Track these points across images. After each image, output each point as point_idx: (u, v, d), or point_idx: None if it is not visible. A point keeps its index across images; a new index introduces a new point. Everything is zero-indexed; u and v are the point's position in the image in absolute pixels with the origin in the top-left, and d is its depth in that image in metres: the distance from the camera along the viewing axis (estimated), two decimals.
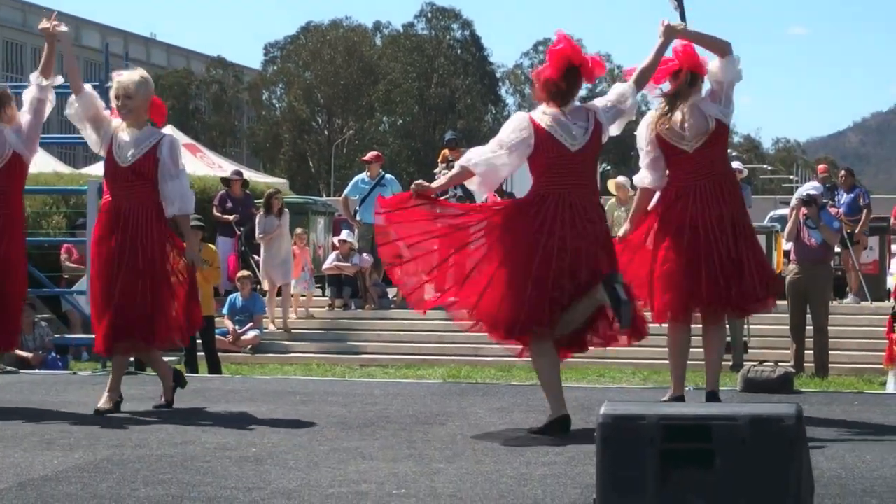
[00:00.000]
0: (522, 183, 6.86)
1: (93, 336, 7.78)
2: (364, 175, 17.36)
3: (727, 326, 12.88)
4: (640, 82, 6.97)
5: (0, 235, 7.56)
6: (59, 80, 7.60)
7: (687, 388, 7.49)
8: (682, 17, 7.43)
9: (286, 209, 17.25)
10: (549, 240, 6.51)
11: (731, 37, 7.13)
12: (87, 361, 13.79)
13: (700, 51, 7.23)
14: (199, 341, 13.21)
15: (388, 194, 15.70)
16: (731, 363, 13.18)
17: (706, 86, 7.24)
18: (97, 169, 16.75)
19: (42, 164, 19.72)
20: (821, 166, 21.88)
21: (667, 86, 7.23)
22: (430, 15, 74.18)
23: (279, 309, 16.65)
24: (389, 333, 16.56)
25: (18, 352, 12.72)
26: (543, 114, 6.68)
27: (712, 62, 7.13)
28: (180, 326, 7.52)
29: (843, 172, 18.45)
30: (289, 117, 72.51)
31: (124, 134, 7.38)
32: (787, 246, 14.27)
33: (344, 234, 17.89)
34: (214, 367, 13.19)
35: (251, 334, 15.94)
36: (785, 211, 18.04)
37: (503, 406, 7.80)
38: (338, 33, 72.90)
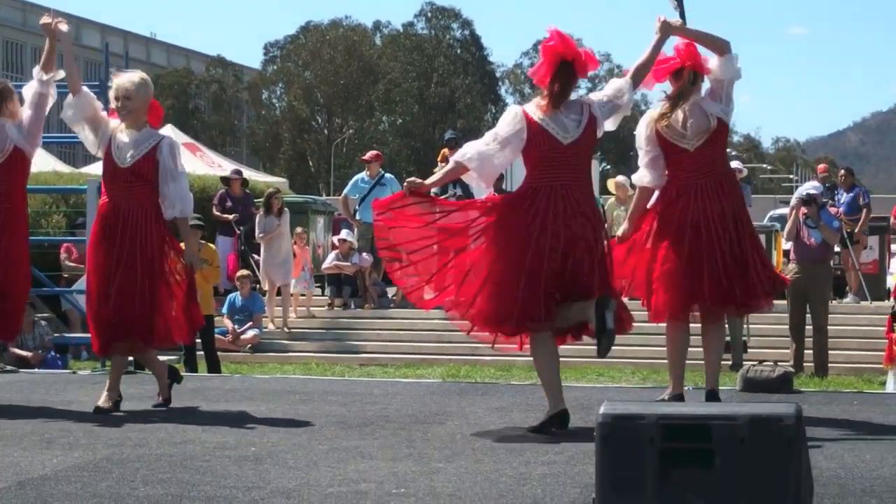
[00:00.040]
0: (521, 180, 6.88)
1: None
2: (364, 174, 17.36)
3: (726, 326, 12.94)
4: (637, 78, 6.99)
5: (1, 230, 7.56)
6: (61, 73, 7.57)
7: (686, 388, 7.49)
8: (682, 17, 7.43)
9: (286, 209, 17.25)
10: (542, 234, 6.53)
11: (730, 36, 7.13)
12: (86, 360, 13.79)
13: (700, 49, 7.23)
14: (198, 341, 13.22)
15: (388, 194, 15.73)
16: (730, 363, 13.17)
17: (705, 84, 7.24)
18: (97, 168, 16.76)
19: (42, 163, 19.72)
20: (821, 166, 21.88)
21: (667, 85, 7.24)
22: (429, 14, 74.16)
23: (279, 308, 16.65)
24: (389, 333, 16.56)
25: (18, 351, 12.73)
26: (537, 107, 6.73)
27: (712, 60, 7.14)
28: (180, 326, 7.52)
29: (842, 172, 18.45)
30: (288, 117, 72.50)
31: (123, 135, 7.38)
32: (786, 245, 14.28)
33: (343, 234, 17.89)
34: (214, 367, 13.19)
35: (250, 334, 15.94)
36: (784, 210, 18.05)
37: (502, 405, 7.79)
38: (337, 33, 72.88)
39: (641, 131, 7.21)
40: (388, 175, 17.61)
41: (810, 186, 14.10)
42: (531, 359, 6.90)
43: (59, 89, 7.76)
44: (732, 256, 7.03)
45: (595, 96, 6.90)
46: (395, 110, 71.99)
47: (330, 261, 17.55)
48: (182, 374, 8.23)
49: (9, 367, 10.94)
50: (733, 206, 7.15)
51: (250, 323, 15.99)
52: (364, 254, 17.14)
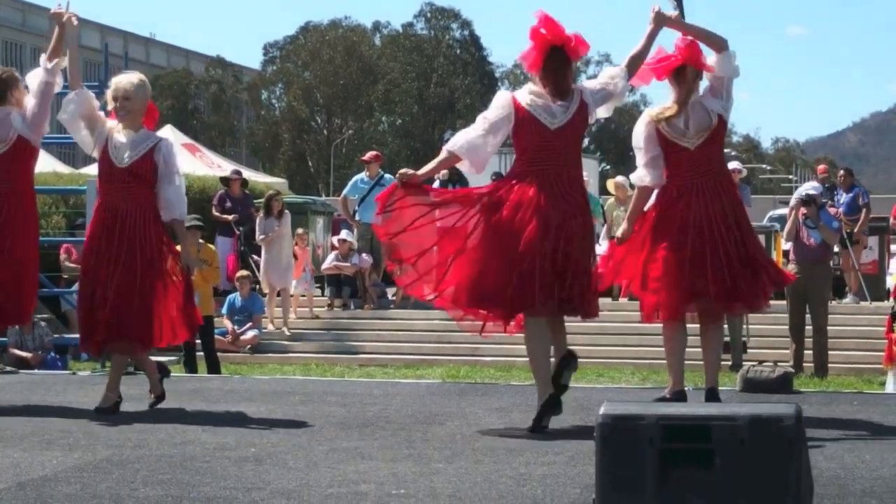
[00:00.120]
0: None
1: None
2: (363, 175, 17.36)
3: (725, 326, 12.94)
4: (632, 67, 7.03)
5: (9, 216, 7.55)
6: (65, 62, 7.56)
7: (686, 388, 7.48)
8: (682, 16, 7.43)
9: (287, 211, 17.25)
10: (531, 215, 6.57)
11: (730, 36, 7.13)
12: (86, 361, 13.77)
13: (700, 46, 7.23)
14: (198, 341, 13.21)
15: None
16: (730, 363, 13.18)
17: (703, 82, 7.23)
18: (96, 169, 16.79)
19: (42, 164, 19.62)
20: (821, 167, 21.88)
21: (664, 83, 7.24)
22: (429, 15, 74.15)
23: (279, 309, 16.65)
24: (389, 333, 16.56)
25: (18, 352, 12.74)
26: (528, 93, 6.79)
27: (711, 57, 7.14)
28: (178, 327, 7.51)
29: (841, 172, 18.46)
30: (288, 117, 72.49)
31: (120, 135, 7.37)
32: (786, 246, 14.28)
33: (343, 234, 17.90)
34: (213, 367, 13.19)
35: (250, 334, 15.94)
36: (784, 211, 18.05)
37: (502, 406, 7.79)
38: (337, 33, 72.87)
39: (640, 131, 7.17)
40: (387, 175, 17.59)
41: (810, 187, 14.11)
42: (527, 359, 6.90)
43: (59, 91, 7.75)
44: (738, 255, 7.03)
45: (588, 83, 6.96)
46: (394, 111, 71.99)
47: (329, 261, 17.55)
48: (183, 374, 8.22)
49: (8, 368, 10.94)
50: (733, 205, 7.18)
51: (250, 324, 15.99)
52: (364, 254, 17.14)
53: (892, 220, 17.55)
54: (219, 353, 13.67)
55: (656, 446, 3.95)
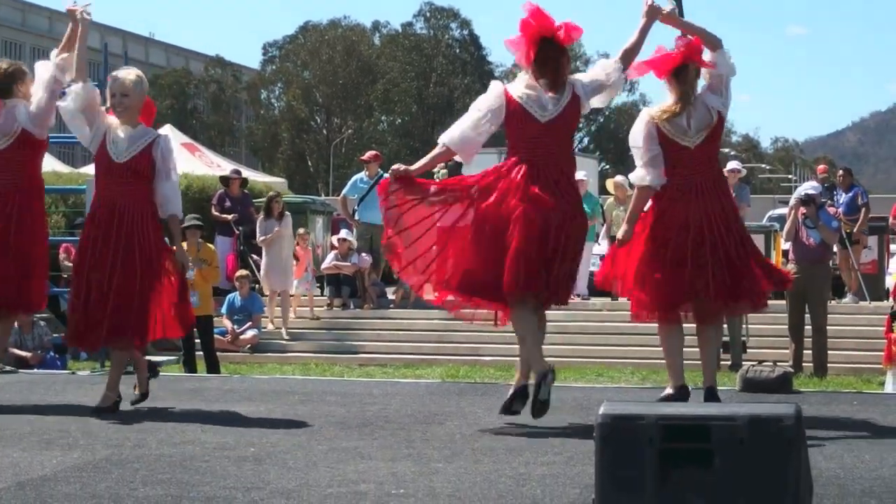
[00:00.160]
0: None
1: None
2: (363, 174, 17.36)
3: (725, 326, 12.94)
4: (626, 60, 7.04)
5: (16, 209, 7.56)
6: (74, 57, 7.56)
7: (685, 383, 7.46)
8: (681, 15, 7.42)
9: (288, 213, 17.26)
10: (517, 202, 6.60)
11: (730, 35, 7.14)
12: (85, 361, 13.78)
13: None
14: (197, 341, 13.22)
15: None
16: (729, 363, 13.18)
17: (700, 80, 7.22)
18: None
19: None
20: (820, 167, 21.89)
21: (663, 82, 7.24)
22: (428, 14, 74.18)
23: (279, 308, 16.65)
24: (388, 333, 16.56)
25: (17, 351, 12.74)
26: (520, 85, 6.83)
27: (707, 55, 7.14)
28: (168, 323, 7.50)
29: (840, 172, 18.47)
30: (287, 117, 72.51)
31: (119, 131, 7.37)
32: (785, 246, 14.29)
33: (343, 234, 17.91)
34: (213, 367, 13.20)
35: (250, 334, 15.95)
36: (783, 210, 18.06)
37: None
38: (336, 33, 72.90)
39: (640, 130, 7.12)
40: (386, 175, 17.59)
41: (809, 187, 14.11)
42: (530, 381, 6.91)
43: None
44: (738, 254, 7.03)
45: (581, 76, 6.98)
46: (393, 110, 72.02)
47: (329, 261, 17.56)
48: (182, 374, 8.21)
49: (8, 368, 10.92)
50: (731, 204, 7.21)
51: (249, 323, 16.00)
52: (363, 254, 17.14)
53: (891, 219, 17.55)
54: (218, 353, 13.68)
55: (656, 446, 3.95)
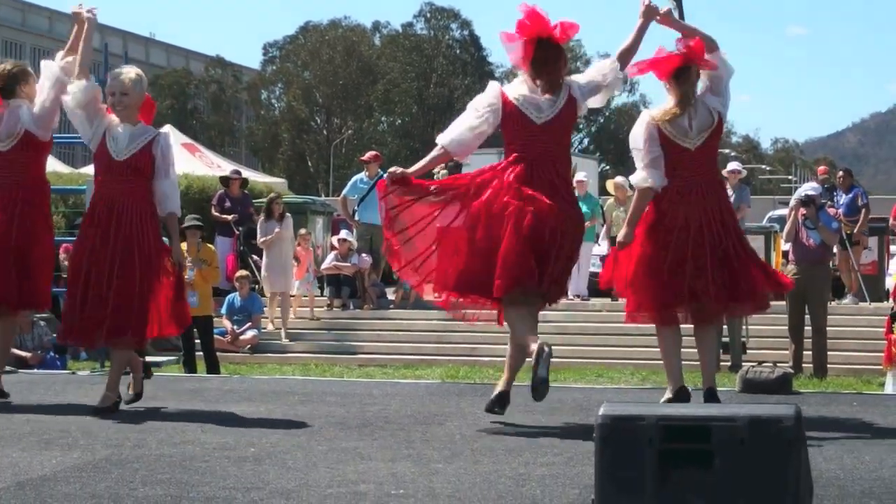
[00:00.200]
0: None
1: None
2: (363, 175, 17.36)
3: (725, 327, 12.94)
4: (623, 61, 7.07)
5: (20, 211, 7.57)
6: (91, 78, 7.57)
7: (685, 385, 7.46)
8: (681, 16, 7.42)
9: (289, 215, 17.26)
10: (509, 202, 6.61)
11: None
12: (85, 361, 13.79)
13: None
14: (197, 341, 13.22)
15: None
16: (729, 364, 13.19)
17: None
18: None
19: None
20: (821, 168, 21.90)
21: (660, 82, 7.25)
22: (428, 15, 74.17)
23: (279, 309, 16.66)
24: (388, 334, 16.57)
25: (17, 351, 12.74)
26: (517, 86, 6.88)
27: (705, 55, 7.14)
28: (164, 322, 7.50)
29: (840, 173, 18.47)
30: (287, 117, 72.52)
31: (119, 129, 7.37)
32: (785, 246, 14.29)
33: (343, 234, 17.92)
34: (213, 367, 13.20)
35: (249, 334, 15.95)
36: (783, 211, 18.08)
37: None
38: (337, 33, 72.90)
39: (640, 132, 7.09)
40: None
41: (809, 188, 14.12)
42: (527, 360, 6.91)
43: None
44: (737, 256, 7.03)
45: (577, 77, 7.00)
46: (394, 111, 72.02)
47: (329, 261, 17.56)
48: (182, 374, 8.21)
49: (8, 368, 10.91)
50: (729, 206, 7.24)
51: (249, 323, 16.00)
52: (363, 254, 17.15)
53: (891, 220, 17.56)
54: (218, 353, 13.69)
55: (656, 447, 3.95)
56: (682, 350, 7.25)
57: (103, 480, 5.17)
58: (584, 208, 17.77)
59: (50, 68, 7.59)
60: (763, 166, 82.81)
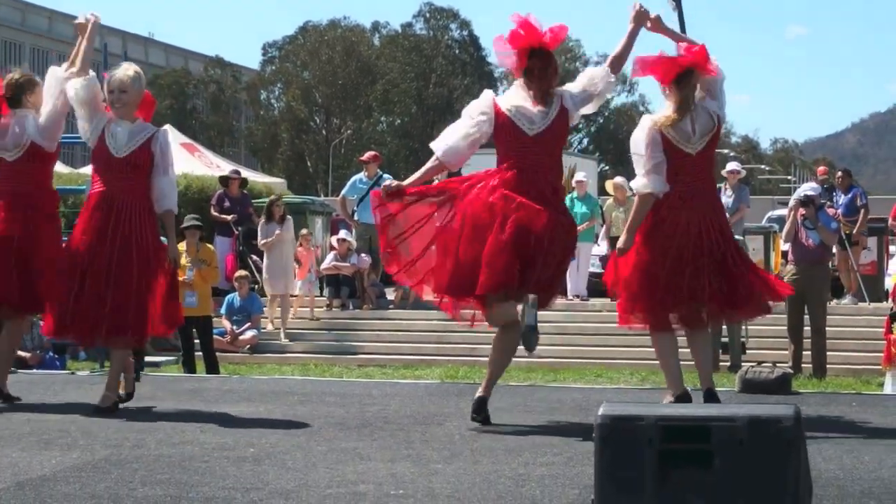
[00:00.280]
0: None
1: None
2: (362, 175, 17.36)
3: (724, 327, 12.94)
4: (615, 66, 7.12)
5: (25, 215, 7.58)
6: (92, 74, 7.58)
7: (687, 388, 7.47)
8: (681, 17, 7.43)
9: (289, 217, 17.26)
10: (498, 206, 6.66)
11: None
12: (84, 361, 13.79)
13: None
14: (196, 341, 13.23)
15: None
16: (728, 364, 13.19)
17: None
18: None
19: None
20: (820, 168, 21.89)
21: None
22: (428, 15, 74.13)
23: (279, 309, 16.65)
24: (387, 334, 16.57)
25: (17, 352, 12.72)
26: (510, 97, 6.92)
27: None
28: (156, 321, 7.50)
29: (839, 173, 18.47)
30: (287, 117, 72.48)
31: (118, 126, 7.38)
32: (784, 247, 14.29)
33: (342, 234, 17.92)
34: (212, 367, 13.19)
35: (249, 334, 15.94)
36: (783, 211, 18.06)
37: (501, 406, 7.77)
38: (336, 33, 72.86)
39: (642, 137, 7.04)
40: (386, 175, 17.55)
41: (808, 188, 14.12)
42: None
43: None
44: (735, 262, 7.05)
45: (570, 86, 7.03)
46: (393, 111, 71.99)
47: (328, 261, 17.56)
48: (182, 374, 8.21)
49: None
50: (724, 211, 7.31)
51: (248, 324, 16.00)
52: (362, 254, 17.14)
53: (890, 220, 17.55)
54: (217, 353, 13.68)
55: (655, 447, 3.95)
56: (679, 350, 7.25)
57: (103, 480, 5.17)
58: (583, 209, 17.93)
59: (55, 78, 7.59)
60: (762, 166, 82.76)
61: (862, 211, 17.35)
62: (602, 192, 22.39)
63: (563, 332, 15.88)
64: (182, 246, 12.63)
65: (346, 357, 15.79)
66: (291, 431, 6.70)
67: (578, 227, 17.95)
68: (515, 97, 6.92)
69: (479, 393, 6.95)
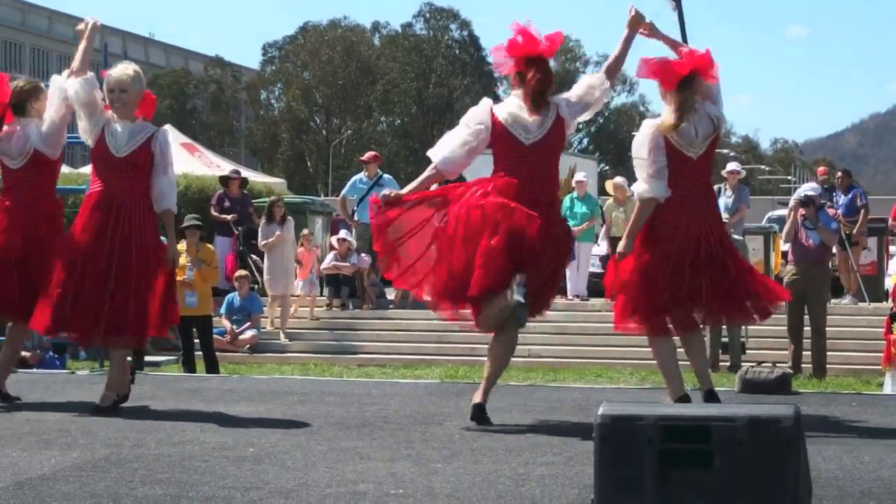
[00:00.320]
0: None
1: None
2: (362, 175, 17.36)
3: (724, 327, 12.94)
4: (612, 73, 7.16)
5: (28, 223, 7.58)
6: (91, 75, 7.58)
7: (687, 388, 7.48)
8: (681, 17, 7.43)
9: (290, 218, 17.26)
10: (489, 212, 6.69)
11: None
12: (84, 360, 13.79)
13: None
14: (196, 341, 13.23)
15: None
16: (728, 364, 13.20)
17: None
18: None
19: None
20: (821, 168, 21.88)
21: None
22: (428, 15, 74.16)
23: (279, 309, 16.65)
24: (387, 333, 16.57)
25: None
26: (507, 106, 6.96)
27: None
28: (157, 322, 7.50)
29: (839, 174, 18.47)
30: (287, 117, 72.52)
31: (117, 125, 7.38)
32: (784, 247, 14.29)
33: (342, 234, 17.92)
34: (212, 367, 13.19)
35: (249, 334, 15.94)
36: (783, 212, 18.07)
37: (500, 406, 7.77)
38: (336, 33, 72.90)
39: (645, 141, 7.00)
40: (386, 176, 17.61)
41: (808, 188, 14.12)
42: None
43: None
44: (733, 267, 7.06)
45: (566, 95, 7.06)
46: (393, 111, 72.02)
47: (328, 261, 17.56)
48: (181, 374, 8.21)
49: None
50: (720, 215, 7.33)
51: (248, 323, 16.00)
52: (363, 254, 17.14)
53: (890, 220, 17.55)
54: (217, 353, 13.67)
55: (655, 447, 3.95)
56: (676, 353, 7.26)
57: (102, 480, 5.17)
58: (583, 209, 17.94)
59: (58, 85, 7.60)
60: (762, 167, 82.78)
61: (862, 211, 17.35)
62: (602, 192, 22.39)
63: (563, 332, 15.89)
64: (182, 246, 12.63)
65: (346, 357, 15.79)
66: (291, 431, 6.70)
67: (578, 228, 18.03)
68: (512, 106, 6.97)
69: (476, 400, 6.92)
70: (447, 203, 6.94)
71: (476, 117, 7.00)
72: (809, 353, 13.11)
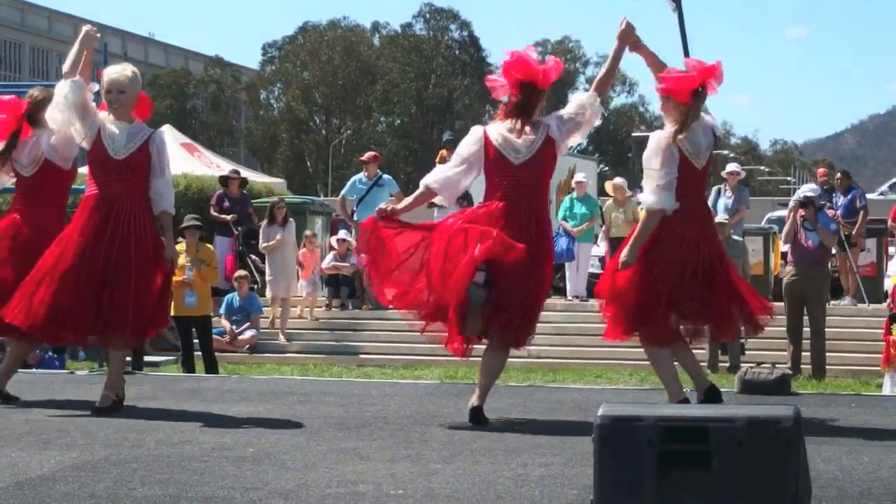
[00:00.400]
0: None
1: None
2: (361, 175, 17.34)
3: None
4: (602, 88, 7.28)
5: (37, 232, 7.60)
6: (95, 87, 7.59)
7: (686, 389, 7.49)
8: (680, 17, 7.43)
9: (291, 220, 17.26)
10: (471, 237, 6.78)
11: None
12: (83, 361, 13.79)
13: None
14: (196, 341, 13.22)
15: (386, 194, 15.79)
16: (728, 365, 13.20)
17: None
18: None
19: None
20: (820, 170, 21.88)
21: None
22: (428, 15, 74.12)
23: (279, 309, 16.65)
24: (387, 334, 16.56)
25: None
26: (498, 127, 7.07)
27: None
28: (148, 325, 7.50)
29: (838, 175, 18.47)
30: (286, 117, 72.47)
31: (114, 127, 7.37)
32: (784, 248, 14.30)
33: (341, 234, 17.91)
34: (211, 367, 13.18)
35: (248, 334, 15.94)
36: (782, 213, 18.07)
37: (500, 407, 7.79)
38: (336, 33, 72.86)
39: (659, 152, 6.93)
40: (385, 176, 17.59)
41: (808, 189, 14.13)
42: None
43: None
44: (727, 277, 7.09)
45: (557, 114, 7.16)
46: (393, 111, 71.98)
47: (328, 261, 17.56)
48: (181, 374, 8.21)
49: None
50: (714, 224, 7.40)
51: (248, 324, 15.99)
52: (362, 255, 17.12)
53: (890, 222, 17.55)
54: (217, 353, 13.67)
55: (655, 447, 3.96)
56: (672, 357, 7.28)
57: (102, 480, 5.17)
58: (583, 209, 17.93)
59: (62, 90, 7.59)
60: (762, 167, 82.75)
61: (861, 212, 17.34)
62: (602, 192, 22.39)
63: (563, 333, 15.88)
64: (182, 246, 12.63)
65: (346, 357, 15.79)
66: (291, 431, 6.70)
67: (578, 228, 18.03)
68: (502, 127, 7.06)
69: (474, 402, 6.96)
70: (432, 228, 7.09)
71: (469, 145, 7.13)
72: (809, 353, 13.11)
